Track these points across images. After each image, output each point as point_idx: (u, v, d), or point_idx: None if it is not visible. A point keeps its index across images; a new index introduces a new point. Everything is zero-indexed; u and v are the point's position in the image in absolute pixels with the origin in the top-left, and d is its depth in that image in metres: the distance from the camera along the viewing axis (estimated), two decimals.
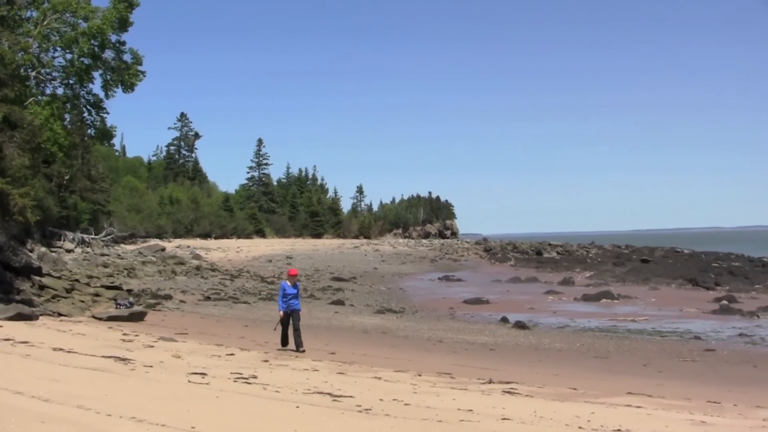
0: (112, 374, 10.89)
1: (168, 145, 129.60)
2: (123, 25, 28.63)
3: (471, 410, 10.02)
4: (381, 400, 10.51)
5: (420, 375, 13.28)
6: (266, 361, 14.51)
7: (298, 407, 9.48)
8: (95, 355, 12.80)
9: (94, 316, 19.53)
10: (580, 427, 9.17)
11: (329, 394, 10.48)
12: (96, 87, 29.96)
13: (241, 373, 11.84)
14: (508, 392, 11.93)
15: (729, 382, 14.53)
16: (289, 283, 18.65)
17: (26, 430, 7.30)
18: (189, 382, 10.96)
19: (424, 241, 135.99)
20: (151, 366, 12.01)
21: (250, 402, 9.57)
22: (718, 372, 16.14)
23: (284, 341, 18.01)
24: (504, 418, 9.65)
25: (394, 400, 10.59)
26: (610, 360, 17.60)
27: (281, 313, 18.24)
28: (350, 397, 10.34)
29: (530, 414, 9.79)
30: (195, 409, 8.76)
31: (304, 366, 13.86)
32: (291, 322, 18.04)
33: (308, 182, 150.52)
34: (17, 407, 8.01)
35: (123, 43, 29.18)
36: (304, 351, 17.31)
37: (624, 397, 11.93)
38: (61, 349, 13.14)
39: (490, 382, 13.29)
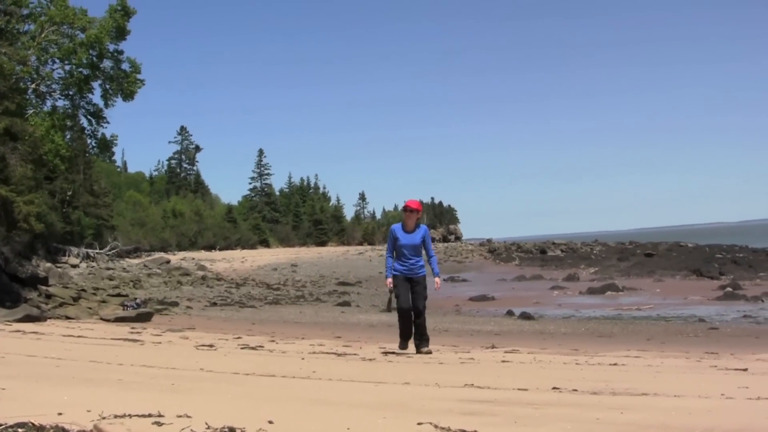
0: (122, 347, 11.13)
1: (169, 159, 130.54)
2: (121, 33, 28.79)
3: (472, 358, 10.30)
4: (384, 354, 10.83)
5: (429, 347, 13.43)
6: (273, 340, 14.63)
7: (303, 359, 9.83)
8: (105, 338, 13.01)
9: (101, 318, 19.64)
10: (577, 363, 9.42)
11: (334, 353, 10.74)
12: (95, 97, 30.13)
13: (248, 344, 12.08)
14: (510, 352, 12.18)
15: (730, 346, 14.68)
16: (404, 227, 12.47)
17: (43, 370, 7.48)
18: (197, 349, 11.21)
19: None
20: (160, 342, 12.24)
21: (257, 357, 9.82)
22: (721, 342, 16.26)
23: (405, 333, 12.15)
24: (504, 361, 9.99)
25: (397, 354, 10.92)
26: (613, 338, 17.72)
27: (389, 281, 12.38)
28: (354, 354, 10.60)
29: (530, 359, 10.02)
30: (204, 362, 8.96)
31: (310, 342, 14.04)
32: (411, 297, 12.12)
33: (310, 191, 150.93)
34: (32, 361, 8.20)
35: (121, 52, 29.35)
36: (429, 351, 11.95)
37: (623, 351, 12.13)
38: (70, 336, 13.33)
39: (493, 347, 13.62)
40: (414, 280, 12.21)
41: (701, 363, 10.74)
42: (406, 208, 12.53)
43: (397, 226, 12.60)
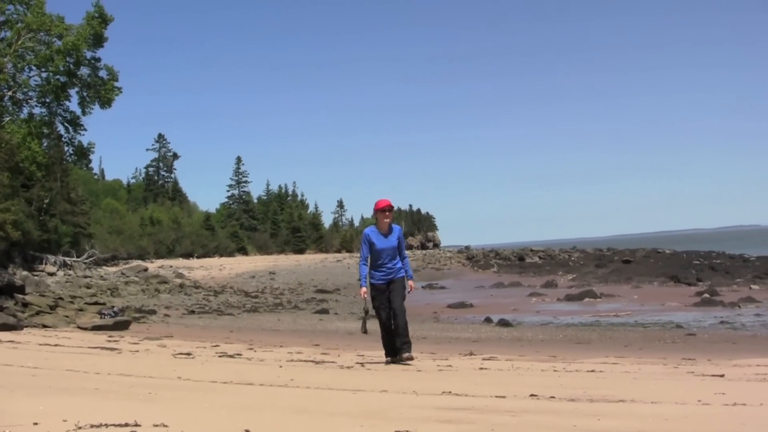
0: (100, 355, 11.07)
1: (147, 167, 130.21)
2: (98, 41, 28.71)
3: (450, 365, 10.32)
4: (362, 364, 10.78)
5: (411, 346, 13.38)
6: (251, 348, 14.60)
7: (281, 367, 9.82)
8: (82, 347, 12.95)
9: (78, 326, 19.53)
10: (555, 370, 9.45)
11: (312, 361, 10.73)
12: (73, 104, 30.05)
13: (226, 352, 12.05)
14: (488, 359, 12.19)
15: (707, 353, 14.78)
16: (378, 230, 11.57)
17: (19, 379, 7.44)
18: (175, 357, 11.18)
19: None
20: (137, 351, 12.19)
21: (235, 365, 9.80)
22: (698, 348, 16.38)
23: (390, 346, 11.33)
24: (482, 368, 10.01)
25: (375, 363, 10.87)
26: (591, 345, 17.80)
27: (363, 290, 11.50)
28: (332, 362, 10.59)
29: (508, 366, 10.05)
30: (181, 371, 8.94)
31: (288, 350, 14.01)
32: (390, 303, 11.28)
33: (288, 198, 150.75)
34: (8, 370, 8.15)
35: (98, 60, 29.31)
36: (410, 357, 11.17)
37: (601, 358, 12.18)
38: (47, 344, 13.26)
39: (471, 354, 13.61)
40: (393, 280, 11.37)
41: (678, 369, 10.81)
42: (384, 209, 11.51)
43: (371, 230, 11.56)
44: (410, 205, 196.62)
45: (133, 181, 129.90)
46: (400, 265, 11.49)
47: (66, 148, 31.82)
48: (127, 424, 5.19)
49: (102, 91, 29.00)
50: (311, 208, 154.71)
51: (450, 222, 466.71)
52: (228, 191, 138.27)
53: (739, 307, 26.88)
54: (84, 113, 29.68)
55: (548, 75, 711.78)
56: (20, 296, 22.61)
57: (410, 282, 11.52)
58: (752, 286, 36.31)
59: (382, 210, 11.46)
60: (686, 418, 6.18)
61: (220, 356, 11.94)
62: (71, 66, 28.01)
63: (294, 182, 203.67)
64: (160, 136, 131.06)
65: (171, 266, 68.82)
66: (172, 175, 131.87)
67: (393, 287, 11.30)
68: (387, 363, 11.21)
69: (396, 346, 11.18)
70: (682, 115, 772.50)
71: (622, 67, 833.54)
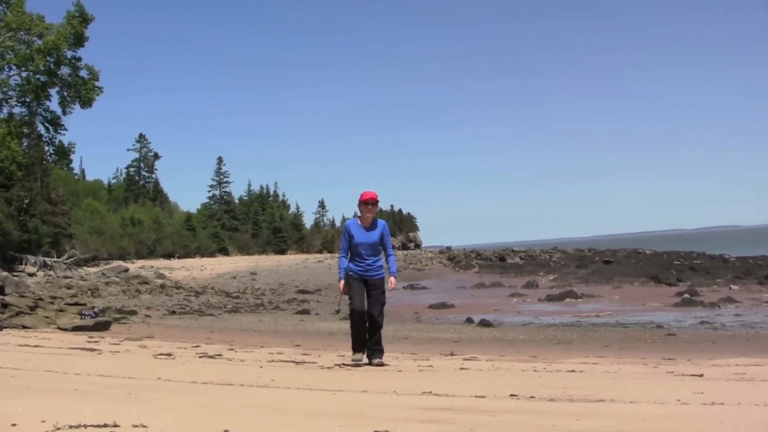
0: (80, 356, 11.03)
1: (128, 167, 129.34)
2: (79, 40, 28.56)
3: (431, 365, 10.33)
4: (342, 365, 10.76)
5: (383, 355, 13.34)
6: (232, 348, 14.57)
7: (261, 367, 9.83)
8: (62, 347, 12.89)
9: (59, 327, 19.43)
10: (535, 370, 9.49)
11: (293, 361, 10.72)
12: (53, 104, 29.90)
13: (206, 353, 12.03)
14: (469, 359, 12.22)
15: (687, 352, 14.88)
16: (360, 223, 11.13)
17: None
18: (155, 358, 11.16)
19: None
20: (118, 352, 12.16)
21: (216, 366, 9.79)
22: (678, 348, 16.48)
23: (359, 343, 10.91)
24: (462, 368, 10.04)
25: (357, 364, 10.87)
26: (572, 345, 17.88)
27: (342, 284, 11.10)
28: (313, 362, 10.58)
29: (488, 366, 10.08)
30: (162, 371, 8.92)
31: (269, 350, 14.00)
32: (367, 301, 10.88)
33: (270, 199, 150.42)
34: None
35: (79, 59, 29.15)
36: (381, 364, 10.83)
37: (582, 358, 12.23)
38: (27, 345, 13.20)
39: (452, 354, 13.63)
40: (370, 282, 10.88)
41: (658, 369, 10.87)
42: (367, 201, 11.03)
43: (352, 222, 11.14)
44: (392, 206, 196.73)
45: (114, 181, 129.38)
46: (381, 263, 11.07)
47: (46, 148, 31.71)
48: (106, 425, 5.17)
49: (83, 91, 28.85)
50: (293, 209, 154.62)
51: (431, 222, 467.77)
52: (209, 191, 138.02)
53: (719, 307, 27.07)
54: (64, 113, 29.61)
55: (528, 75, 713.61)
56: (0, 297, 22.50)
57: (392, 279, 11.06)
58: (732, 287, 36.56)
59: (365, 202, 11.03)
60: (665, 417, 6.21)
61: (200, 357, 11.90)
62: (51, 65, 27.87)
63: (275, 182, 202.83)
64: (141, 136, 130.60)
65: (152, 267, 68.61)
66: (153, 176, 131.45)
67: (372, 291, 10.89)
68: (355, 363, 10.79)
69: (367, 351, 10.86)
70: (662, 116, 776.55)
71: (606, 67, 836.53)
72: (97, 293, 37.52)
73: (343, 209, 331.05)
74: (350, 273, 10.92)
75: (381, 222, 11.11)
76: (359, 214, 11.25)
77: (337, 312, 11.29)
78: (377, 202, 11.12)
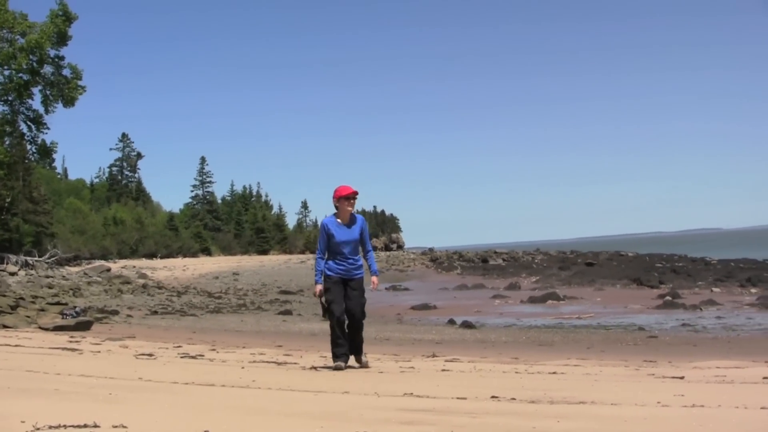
0: (60, 356, 10.99)
1: (110, 166, 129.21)
2: (62, 39, 28.41)
3: (413, 367, 10.35)
4: (324, 366, 10.75)
5: (366, 354, 13.28)
6: (213, 349, 14.55)
7: (243, 368, 9.83)
8: (42, 347, 12.85)
9: (40, 327, 19.34)
10: (516, 372, 9.52)
11: (274, 362, 10.71)
12: (36, 103, 29.76)
13: (188, 353, 12.01)
14: (450, 361, 12.24)
15: (668, 355, 14.94)
16: (339, 220, 10.44)
17: None
18: (137, 358, 11.13)
19: None
20: (99, 351, 12.13)
21: (197, 366, 9.78)
22: (659, 350, 16.57)
23: (340, 347, 10.34)
24: (444, 370, 10.06)
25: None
26: (554, 347, 17.92)
27: (318, 288, 10.40)
28: (295, 363, 10.59)
29: (470, 368, 10.09)
30: (143, 371, 8.90)
31: (251, 351, 13.99)
32: (345, 303, 10.27)
33: (252, 199, 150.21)
34: None
35: (62, 58, 29.00)
36: (366, 364, 10.70)
37: (563, 360, 12.27)
38: (7, 345, 13.14)
39: (434, 356, 13.66)
40: (351, 283, 10.29)
41: (639, 371, 10.90)
42: (348, 196, 10.34)
43: (329, 220, 10.38)
44: (374, 206, 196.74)
45: (97, 180, 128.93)
46: (361, 262, 10.48)
47: (29, 147, 31.58)
48: (86, 425, 5.15)
49: (65, 90, 28.74)
50: (275, 209, 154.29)
51: (414, 223, 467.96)
52: (192, 191, 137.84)
53: (701, 309, 27.20)
54: (47, 112, 29.51)
55: (513, 78, 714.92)
56: None
57: (374, 278, 10.63)
58: (713, 289, 36.70)
59: (347, 197, 10.31)
60: (645, 419, 6.23)
61: (182, 357, 11.88)
62: (34, 64, 27.75)
63: (258, 183, 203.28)
64: (124, 135, 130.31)
65: (134, 266, 68.49)
66: (136, 175, 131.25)
67: (351, 293, 10.27)
68: (336, 369, 10.20)
69: (350, 352, 10.41)
70: (644, 120, 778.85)
71: (592, 70, 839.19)
72: (78, 293, 37.39)
73: (325, 210, 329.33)
74: (329, 275, 10.29)
75: (359, 217, 10.52)
76: (336, 211, 10.48)
77: (323, 317, 10.33)
78: (355, 196, 10.39)
